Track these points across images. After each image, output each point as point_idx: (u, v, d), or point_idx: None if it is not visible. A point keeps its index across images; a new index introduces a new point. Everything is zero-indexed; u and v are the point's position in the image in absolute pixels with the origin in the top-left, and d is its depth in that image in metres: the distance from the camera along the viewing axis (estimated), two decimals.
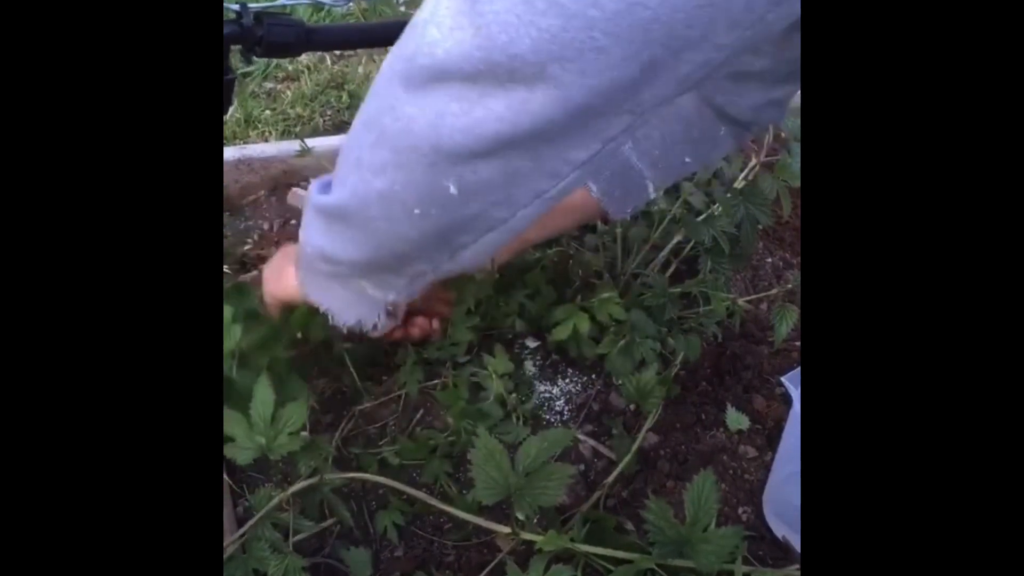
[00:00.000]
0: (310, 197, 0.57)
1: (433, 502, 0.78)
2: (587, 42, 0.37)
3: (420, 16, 0.43)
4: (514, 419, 0.99)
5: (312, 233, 0.58)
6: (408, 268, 0.56)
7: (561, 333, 0.99)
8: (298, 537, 0.80)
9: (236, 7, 0.62)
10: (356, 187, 0.50)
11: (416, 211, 0.47)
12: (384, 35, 0.74)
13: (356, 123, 0.51)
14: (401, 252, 0.52)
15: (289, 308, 0.74)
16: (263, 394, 0.63)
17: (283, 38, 0.64)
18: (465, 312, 0.95)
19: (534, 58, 0.38)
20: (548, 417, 1.03)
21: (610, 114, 0.42)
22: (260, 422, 0.62)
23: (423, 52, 0.42)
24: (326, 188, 0.57)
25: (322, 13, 2.22)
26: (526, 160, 0.43)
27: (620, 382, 1.05)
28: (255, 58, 0.69)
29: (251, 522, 0.74)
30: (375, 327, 0.68)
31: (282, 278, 0.69)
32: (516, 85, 0.39)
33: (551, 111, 0.40)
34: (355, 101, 2.07)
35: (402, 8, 1.97)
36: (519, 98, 0.39)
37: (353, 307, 0.64)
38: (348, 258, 0.56)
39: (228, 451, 0.60)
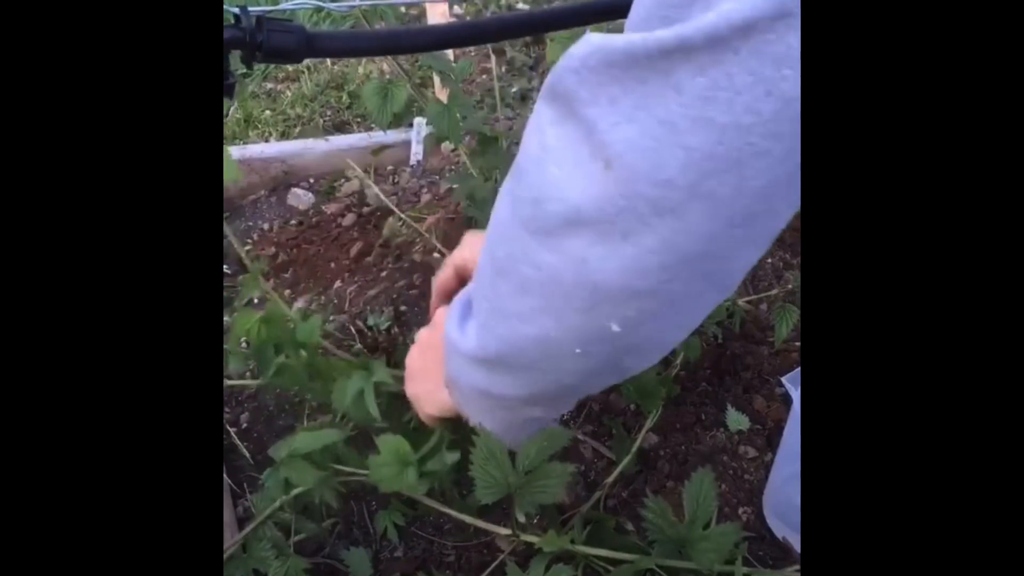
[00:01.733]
0: (452, 339, 0.51)
1: (433, 503, 0.78)
2: (745, 149, 0.33)
3: (530, 148, 0.40)
4: None
5: (466, 376, 0.52)
6: (577, 394, 0.53)
7: None
8: (298, 537, 0.81)
9: (236, 10, 0.62)
10: (506, 336, 0.45)
11: (577, 350, 0.43)
12: (388, 44, 0.74)
13: (485, 265, 0.46)
14: (568, 385, 0.48)
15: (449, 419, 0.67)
16: None
17: (283, 44, 0.63)
18: None
19: (684, 181, 0.34)
20: None
21: (774, 209, 0.37)
22: None
23: (550, 196, 0.38)
24: (463, 325, 0.51)
25: (322, 14, 2.22)
26: (692, 283, 0.39)
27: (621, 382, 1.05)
28: (255, 64, 0.68)
29: (252, 524, 0.74)
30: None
31: (434, 398, 0.62)
32: (663, 215, 0.35)
33: (710, 228, 0.35)
34: (355, 101, 2.08)
35: (402, 9, 1.97)
36: (670, 227, 0.35)
37: (523, 428, 0.62)
38: (513, 396, 0.51)
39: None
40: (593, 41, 0.35)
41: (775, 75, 0.31)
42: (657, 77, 0.33)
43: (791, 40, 0.30)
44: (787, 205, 0.37)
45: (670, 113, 0.33)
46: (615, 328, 0.40)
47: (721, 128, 0.32)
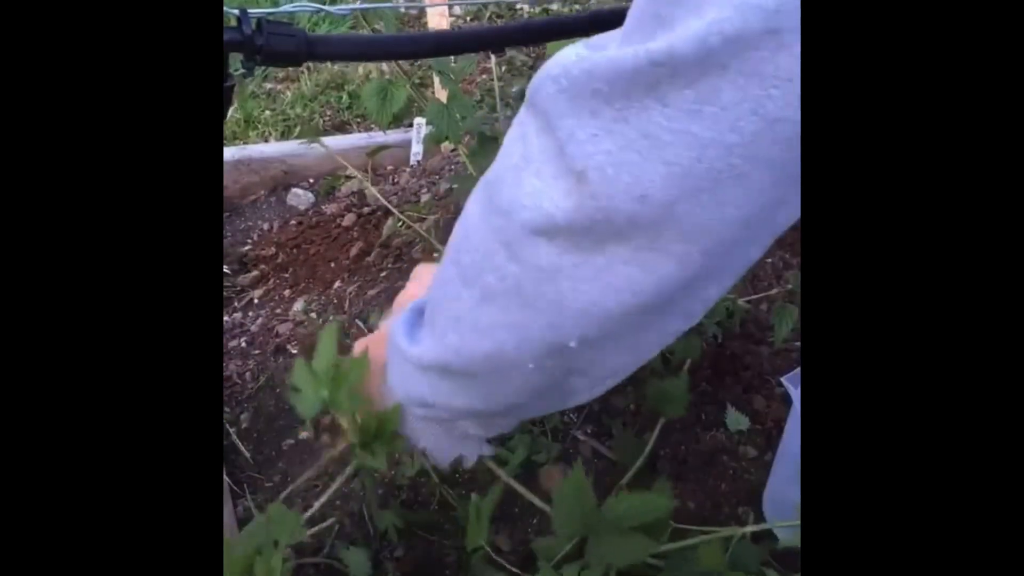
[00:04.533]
0: (398, 344, 0.50)
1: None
2: (725, 171, 0.32)
3: (508, 160, 0.39)
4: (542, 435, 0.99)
5: (409, 382, 0.51)
6: (517, 414, 0.51)
7: None
8: (298, 536, 0.81)
9: (236, 12, 0.61)
10: (458, 346, 0.44)
11: (530, 365, 0.41)
12: (388, 49, 0.74)
13: (448, 270, 0.44)
14: (511, 403, 0.46)
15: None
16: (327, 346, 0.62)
17: (283, 47, 0.63)
18: None
19: (663, 196, 0.33)
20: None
21: (749, 241, 0.36)
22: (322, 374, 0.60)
23: (524, 205, 0.36)
24: (413, 332, 0.49)
25: (321, 15, 2.22)
26: (658, 308, 0.37)
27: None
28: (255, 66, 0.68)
29: (251, 523, 0.74)
30: (478, 457, 0.61)
31: (367, 387, 0.60)
32: (639, 231, 0.34)
33: (686, 252, 0.34)
34: (355, 101, 2.08)
35: (401, 10, 1.97)
36: (646, 244, 0.34)
37: (454, 447, 0.59)
38: (454, 407, 0.49)
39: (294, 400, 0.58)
40: (579, 51, 0.35)
41: (761, 93, 0.30)
42: (642, 90, 0.32)
43: (780, 59, 0.30)
44: (759, 245, 0.37)
45: (653, 126, 0.32)
46: (572, 344, 0.39)
47: (703, 144, 0.31)
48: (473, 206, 0.42)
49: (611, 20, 0.76)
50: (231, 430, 1.07)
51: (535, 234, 0.37)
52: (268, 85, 2.22)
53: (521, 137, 0.38)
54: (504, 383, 0.44)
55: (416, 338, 0.49)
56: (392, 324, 0.52)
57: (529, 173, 0.36)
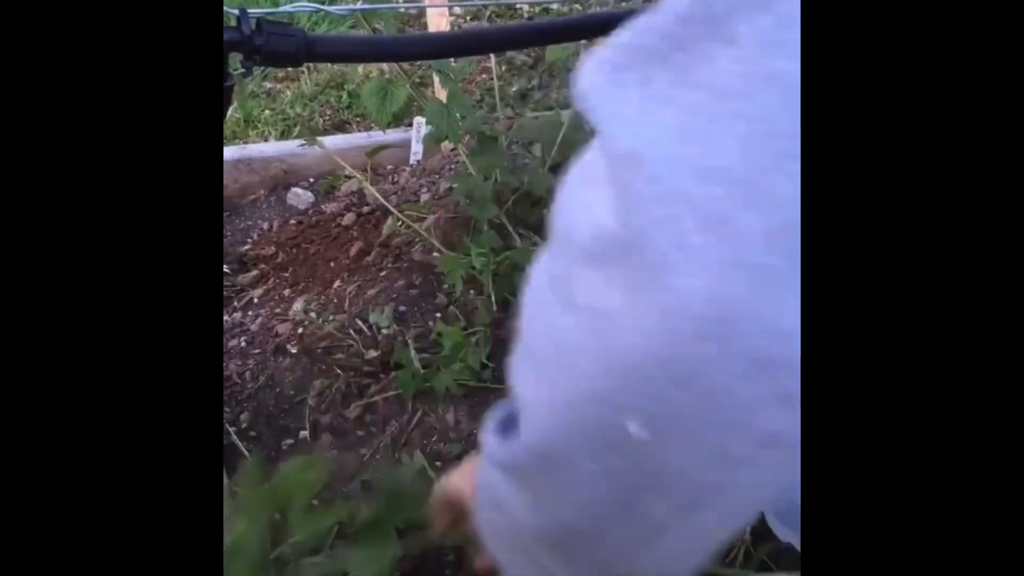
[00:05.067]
0: (484, 441, 0.41)
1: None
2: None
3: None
4: None
5: (489, 492, 0.41)
6: (592, 550, 0.37)
7: None
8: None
9: (236, 11, 0.61)
10: (523, 433, 0.35)
11: (589, 463, 0.31)
12: (388, 51, 0.74)
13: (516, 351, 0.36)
14: (572, 526, 0.35)
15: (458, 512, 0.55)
16: None
17: (283, 47, 0.62)
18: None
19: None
20: None
21: None
22: None
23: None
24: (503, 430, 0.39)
25: (321, 15, 2.22)
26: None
27: None
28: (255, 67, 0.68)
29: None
30: None
31: (459, 477, 0.52)
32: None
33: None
34: (354, 100, 2.07)
35: (401, 9, 1.97)
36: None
37: None
38: (514, 519, 0.38)
39: None
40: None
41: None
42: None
43: None
44: None
45: None
46: (633, 430, 0.28)
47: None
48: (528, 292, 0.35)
49: (611, 23, 0.76)
50: (231, 430, 1.08)
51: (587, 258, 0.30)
52: (268, 84, 2.22)
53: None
54: (560, 488, 0.33)
55: (501, 436, 0.39)
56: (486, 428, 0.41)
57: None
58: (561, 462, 0.32)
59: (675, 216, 0.26)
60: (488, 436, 0.39)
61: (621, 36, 0.30)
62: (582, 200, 0.30)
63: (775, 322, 0.27)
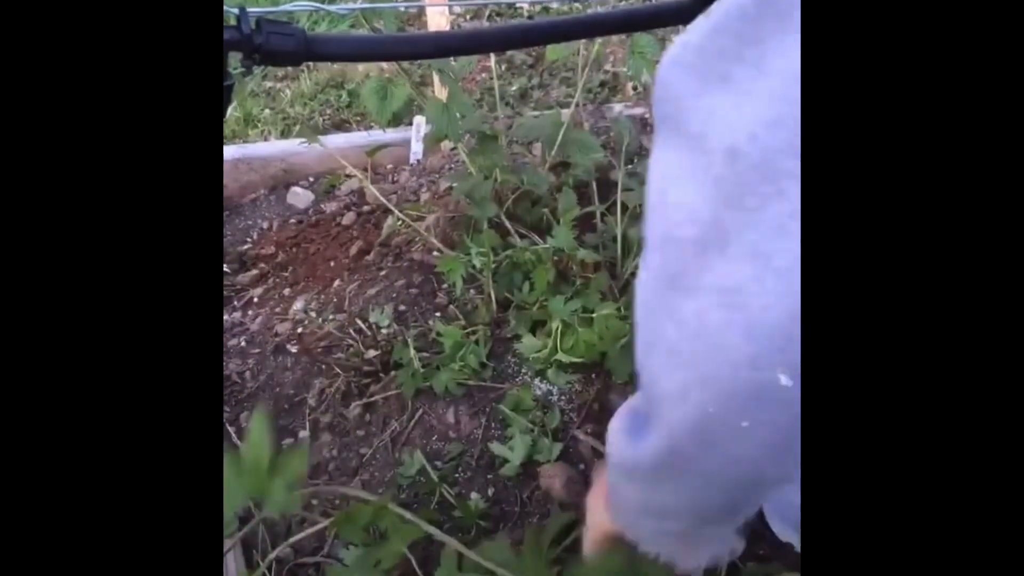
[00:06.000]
0: (610, 448, 0.45)
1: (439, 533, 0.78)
2: None
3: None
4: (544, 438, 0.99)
5: (623, 490, 0.46)
6: (753, 497, 0.42)
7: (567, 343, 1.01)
8: (298, 536, 0.81)
9: (235, 11, 0.61)
10: (661, 430, 0.38)
11: (743, 423, 0.34)
12: (388, 50, 0.74)
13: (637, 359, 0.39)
14: (738, 480, 0.38)
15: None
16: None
17: (282, 47, 0.62)
18: None
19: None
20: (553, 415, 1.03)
21: None
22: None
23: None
24: (636, 436, 0.42)
25: (320, 13, 2.22)
26: None
27: (621, 381, 1.05)
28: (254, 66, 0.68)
29: (251, 525, 0.74)
30: (731, 555, 0.52)
31: (595, 518, 0.56)
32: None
33: None
34: (354, 99, 2.07)
35: (401, 8, 1.97)
36: None
37: (699, 553, 0.50)
38: (677, 508, 0.43)
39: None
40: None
41: None
42: None
43: None
44: None
45: None
46: (784, 381, 0.31)
47: None
48: (639, 288, 0.38)
49: (610, 24, 0.76)
50: (231, 430, 1.08)
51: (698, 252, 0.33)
52: (268, 84, 2.22)
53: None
54: (719, 462, 0.37)
55: (630, 440, 0.43)
56: (610, 434, 0.46)
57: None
58: (720, 431, 0.35)
59: (780, 192, 0.30)
60: (621, 446, 0.43)
61: (693, 37, 0.32)
62: (675, 199, 0.33)
63: None
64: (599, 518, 0.56)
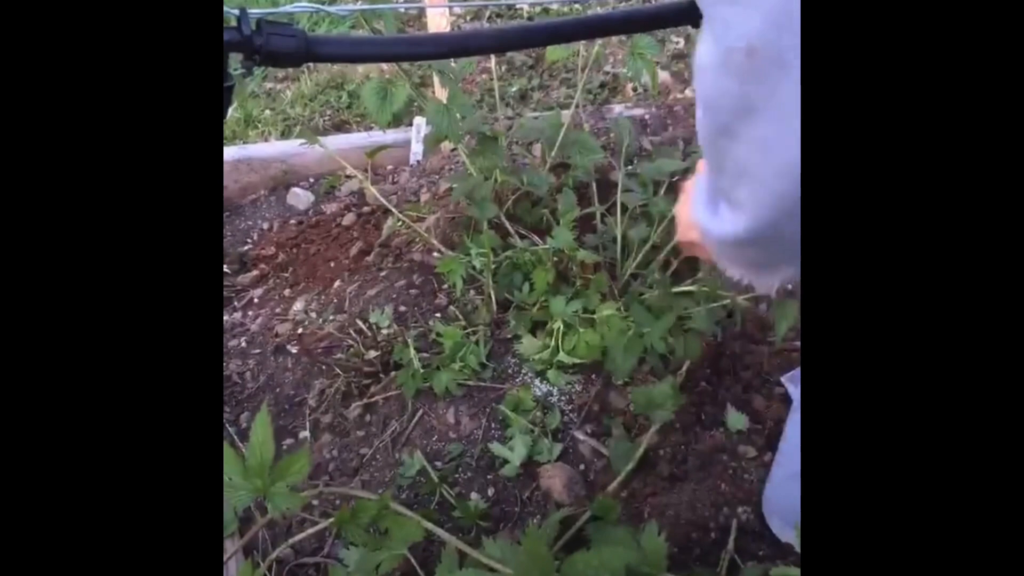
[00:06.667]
0: (705, 226, 0.58)
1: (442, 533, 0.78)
2: None
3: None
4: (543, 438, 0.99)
5: (721, 251, 0.60)
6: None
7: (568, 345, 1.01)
8: (298, 536, 0.81)
9: (236, 12, 0.61)
10: (753, 219, 0.51)
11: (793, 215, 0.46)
12: (388, 51, 0.74)
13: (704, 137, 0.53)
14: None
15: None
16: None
17: (282, 48, 0.62)
18: None
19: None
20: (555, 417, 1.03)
21: None
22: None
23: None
24: (724, 215, 0.56)
25: (321, 15, 2.22)
26: None
27: (620, 381, 1.06)
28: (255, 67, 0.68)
29: (255, 528, 0.74)
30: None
31: (685, 225, 0.71)
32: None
33: None
34: (355, 101, 2.07)
35: (401, 9, 1.97)
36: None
37: (774, 279, 0.65)
38: (761, 260, 0.57)
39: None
40: None
41: None
42: None
43: None
44: None
45: None
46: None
47: None
48: (698, 125, 0.51)
49: (610, 26, 0.76)
50: (231, 430, 1.08)
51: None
52: (268, 85, 2.22)
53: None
54: (777, 244, 0.51)
55: (716, 214, 0.57)
56: (693, 199, 0.62)
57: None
58: (782, 220, 0.46)
59: (789, 76, 0.39)
60: (708, 219, 0.57)
61: None
62: (712, 83, 0.45)
63: None
64: (686, 227, 0.71)
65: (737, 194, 0.51)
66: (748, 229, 0.51)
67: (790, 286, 0.67)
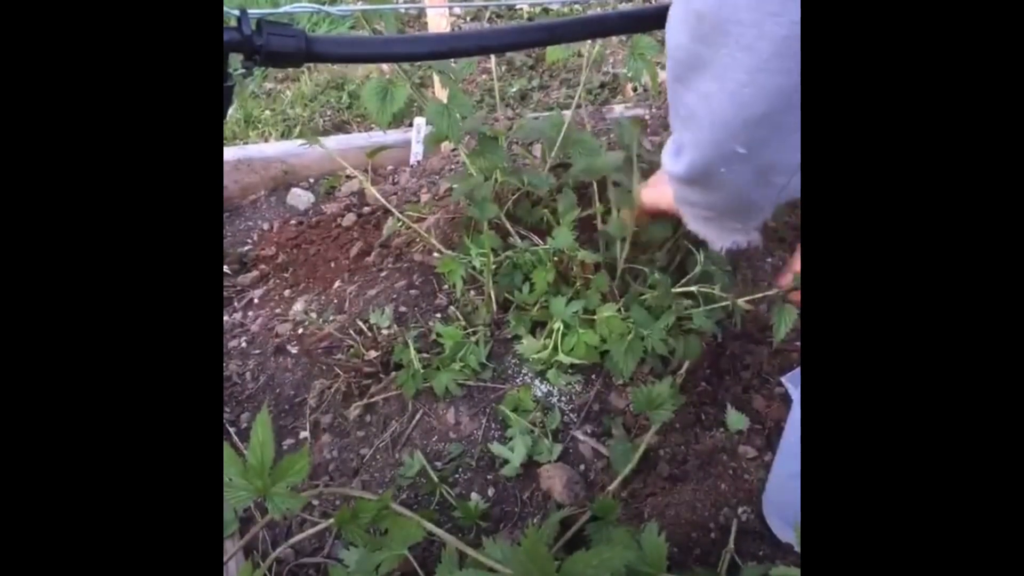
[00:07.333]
0: (665, 166, 0.73)
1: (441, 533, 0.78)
2: None
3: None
4: (544, 438, 0.99)
5: (676, 191, 0.76)
6: (750, 208, 0.71)
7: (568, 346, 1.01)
8: (298, 537, 0.81)
9: (236, 12, 0.61)
10: (687, 162, 0.66)
11: (722, 170, 0.63)
12: (388, 51, 0.74)
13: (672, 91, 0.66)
14: (735, 196, 0.67)
15: (655, 215, 0.93)
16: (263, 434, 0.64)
17: (283, 48, 0.62)
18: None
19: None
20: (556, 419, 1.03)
21: None
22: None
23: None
24: (677, 156, 0.70)
25: (321, 15, 2.22)
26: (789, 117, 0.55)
27: (620, 382, 1.05)
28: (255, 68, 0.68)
29: (256, 529, 0.74)
30: (748, 244, 0.81)
31: (662, 195, 0.85)
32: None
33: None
34: (355, 101, 2.08)
35: (401, 9, 1.97)
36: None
37: (723, 236, 0.81)
38: (701, 205, 0.72)
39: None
40: None
41: None
42: None
43: None
44: None
45: None
46: (740, 150, 0.59)
47: None
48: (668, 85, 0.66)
49: (610, 26, 0.76)
50: (231, 430, 1.08)
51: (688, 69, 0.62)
52: (268, 85, 2.22)
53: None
54: (715, 188, 0.67)
55: (677, 159, 0.70)
56: (664, 154, 0.76)
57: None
58: (714, 169, 0.64)
59: (730, 40, 0.54)
60: (668, 160, 0.72)
61: None
62: (674, 33, 0.57)
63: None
64: (648, 202, 0.91)
65: (683, 137, 0.64)
66: (689, 166, 0.65)
67: (745, 244, 0.80)
